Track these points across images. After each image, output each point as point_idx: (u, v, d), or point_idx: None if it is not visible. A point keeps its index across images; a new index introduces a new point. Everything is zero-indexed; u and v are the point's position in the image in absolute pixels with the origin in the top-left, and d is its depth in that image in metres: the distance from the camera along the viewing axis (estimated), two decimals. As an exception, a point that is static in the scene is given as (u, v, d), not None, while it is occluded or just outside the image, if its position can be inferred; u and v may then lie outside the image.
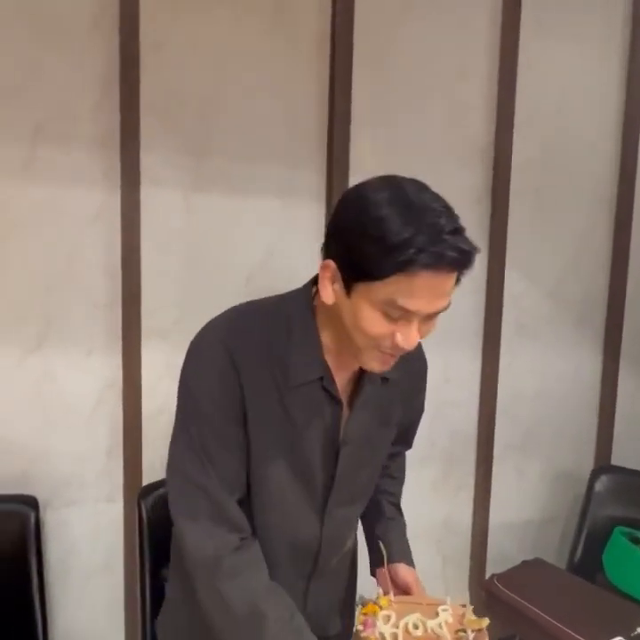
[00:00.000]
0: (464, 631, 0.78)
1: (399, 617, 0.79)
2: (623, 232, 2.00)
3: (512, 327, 1.91)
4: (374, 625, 0.77)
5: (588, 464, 2.05)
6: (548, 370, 1.99)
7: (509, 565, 1.66)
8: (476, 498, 1.92)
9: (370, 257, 0.71)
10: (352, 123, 1.61)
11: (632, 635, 1.05)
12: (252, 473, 0.85)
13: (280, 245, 1.46)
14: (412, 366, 0.95)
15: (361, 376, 0.89)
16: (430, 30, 1.70)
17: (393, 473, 1.11)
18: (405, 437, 1.09)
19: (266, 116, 1.54)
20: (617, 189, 1.99)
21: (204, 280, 1.53)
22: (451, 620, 0.81)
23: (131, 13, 1.39)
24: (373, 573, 1.04)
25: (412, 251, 0.69)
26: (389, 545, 1.00)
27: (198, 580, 0.82)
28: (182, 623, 0.96)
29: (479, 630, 0.79)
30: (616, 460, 2.05)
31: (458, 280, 0.76)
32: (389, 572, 0.94)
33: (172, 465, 0.85)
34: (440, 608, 0.82)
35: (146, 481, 1.51)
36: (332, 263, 0.77)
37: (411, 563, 1.02)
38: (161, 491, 1.35)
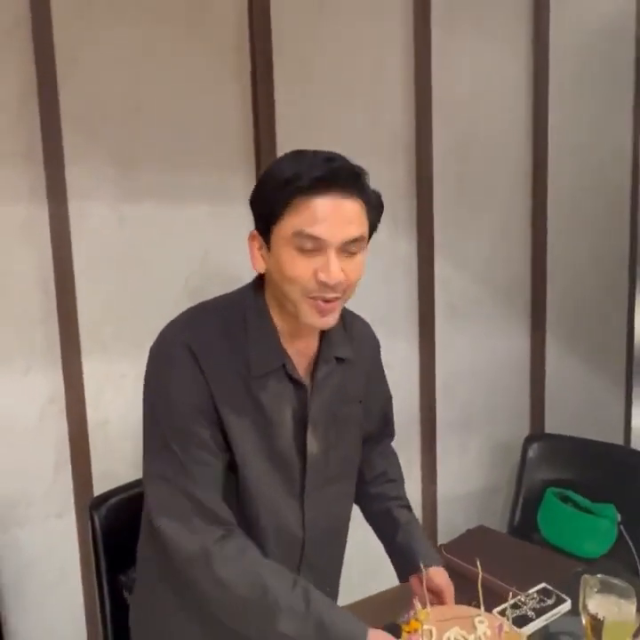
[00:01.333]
0: None
1: (440, 631, 0.82)
2: (540, 215, 2.15)
3: (444, 310, 2.02)
4: None
5: (525, 435, 2.20)
6: (481, 348, 2.11)
7: (458, 535, 1.77)
8: (424, 474, 2.03)
9: (270, 198, 0.82)
10: (277, 125, 1.65)
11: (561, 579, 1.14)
12: (235, 466, 0.89)
13: (214, 250, 1.49)
14: (365, 347, 1.03)
15: (317, 359, 0.94)
16: (345, 30, 1.75)
17: (391, 476, 1.14)
18: (384, 426, 1.14)
19: (190, 123, 1.55)
20: (531, 174, 2.13)
21: (141, 289, 1.54)
22: (489, 632, 0.83)
23: (43, 26, 1.37)
24: (402, 579, 1.10)
25: (299, 180, 0.79)
26: (416, 552, 1.03)
27: (195, 575, 0.83)
28: (157, 625, 0.99)
29: None
30: (549, 429, 2.21)
31: (373, 219, 0.86)
32: (425, 580, 0.95)
33: (147, 470, 0.88)
34: (476, 619, 0.84)
35: (96, 492, 1.51)
36: (254, 231, 0.87)
37: (439, 563, 1.05)
38: (112, 500, 1.36)
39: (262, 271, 0.88)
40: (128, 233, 1.53)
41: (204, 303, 0.93)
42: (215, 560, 0.81)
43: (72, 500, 1.52)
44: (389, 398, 1.16)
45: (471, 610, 0.86)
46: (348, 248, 0.83)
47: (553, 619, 1.00)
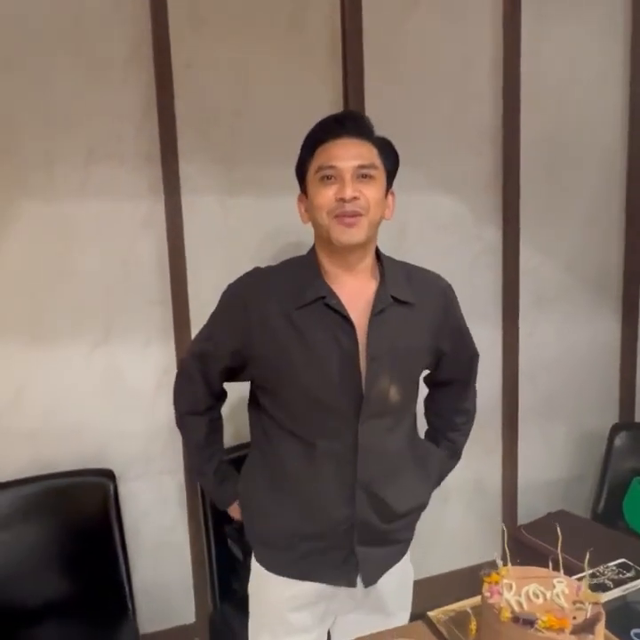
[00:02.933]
0: (582, 603, 0.83)
1: (519, 586, 0.86)
2: (635, 202, 2.08)
3: (531, 299, 2.02)
4: (499, 593, 0.85)
5: (612, 422, 2.15)
6: (568, 336, 2.09)
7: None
8: (505, 460, 2.06)
9: (300, 157, 1.06)
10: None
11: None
12: (278, 394, 1.06)
13: (307, 236, 1.64)
14: (429, 295, 1.10)
15: (374, 300, 1.04)
16: (435, 23, 1.81)
17: (459, 426, 1.23)
18: (459, 373, 1.21)
19: (287, 123, 1.69)
20: (626, 162, 2.06)
21: (243, 271, 1.70)
22: (567, 591, 0.86)
23: (163, 43, 1.56)
24: None
25: (315, 133, 1.04)
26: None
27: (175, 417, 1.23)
28: (258, 484, 1.14)
29: (596, 603, 0.83)
30: (639, 419, 2.15)
31: (388, 161, 1.04)
32: (505, 538, 1.04)
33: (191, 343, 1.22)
34: (555, 580, 0.88)
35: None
36: (300, 194, 1.08)
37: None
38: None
39: (306, 222, 1.07)
40: (232, 222, 1.70)
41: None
42: (183, 420, 1.21)
43: (182, 460, 1.73)
44: (464, 343, 1.20)
45: (550, 572, 0.92)
46: (362, 173, 1.00)
47: (631, 590, 1.03)
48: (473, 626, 0.90)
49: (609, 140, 2.05)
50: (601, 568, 1.07)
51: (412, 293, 1.07)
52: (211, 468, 1.19)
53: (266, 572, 1.11)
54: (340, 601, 1.12)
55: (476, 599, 0.98)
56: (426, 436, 1.26)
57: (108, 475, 1.56)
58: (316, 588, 1.09)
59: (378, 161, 1.02)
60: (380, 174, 1.03)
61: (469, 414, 1.26)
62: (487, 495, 2.07)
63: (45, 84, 1.51)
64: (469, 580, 2.10)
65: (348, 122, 1.03)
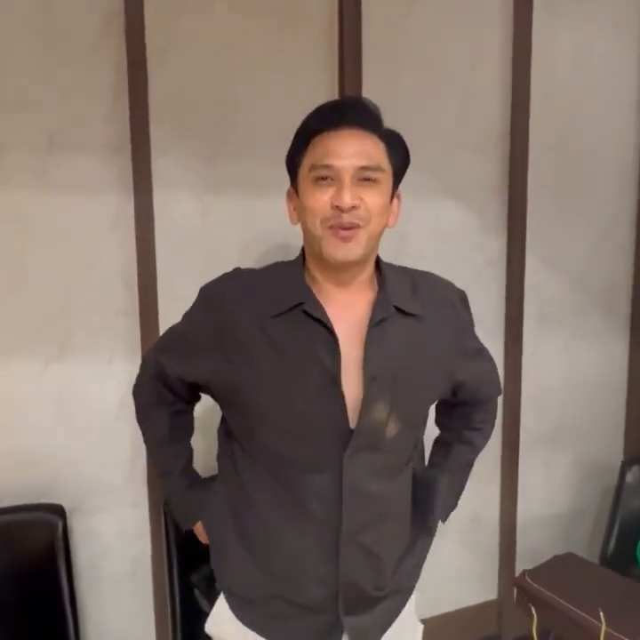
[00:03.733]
0: None
1: None
2: (647, 215, 1.95)
3: (535, 316, 1.87)
4: None
5: (618, 454, 2.01)
6: (574, 359, 1.95)
7: (540, 560, 1.63)
8: (503, 491, 1.90)
9: (292, 148, 0.89)
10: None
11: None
12: (247, 419, 0.91)
13: (296, 242, 1.45)
14: (437, 302, 0.94)
15: (373, 310, 0.88)
16: (440, 16, 1.66)
17: (475, 424, 1.07)
18: (484, 385, 1.04)
19: (276, 115, 1.52)
20: (638, 171, 1.93)
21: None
22: None
23: (136, 20, 1.38)
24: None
25: (311, 122, 0.87)
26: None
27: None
28: (226, 524, 0.98)
29: None
30: (647, 450, 2.00)
31: (395, 158, 0.87)
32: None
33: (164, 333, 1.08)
34: None
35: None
36: (289, 189, 0.92)
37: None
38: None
39: (295, 223, 0.91)
40: (210, 224, 1.51)
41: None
42: (140, 413, 1.09)
43: (146, 492, 1.53)
44: (483, 354, 1.04)
45: None
46: (364, 175, 0.83)
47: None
48: None
49: (622, 146, 1.92)
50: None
51: (419, 304, 0.91)
52: (177, 466, 1.06)
53: (232, 616, 0.95)
54: None
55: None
56: (434, 445, 1.09)
57: (57, 510, 1.35)
58: None
59: (385, 161, 0.86)
60: (386, 178, 0.86)
61: (489, 423, 1.11)
62: (483, 529, 1.90)
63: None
64: (464, 623, 1.95)
65: (349, 110, 0.86)
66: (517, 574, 1.62)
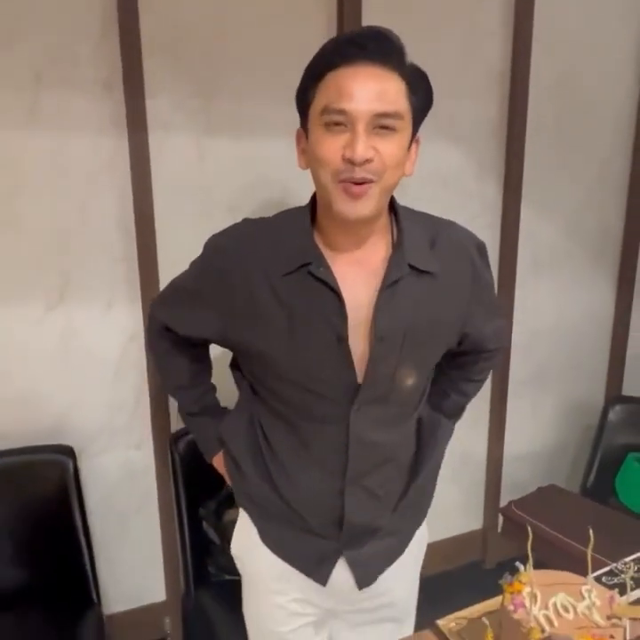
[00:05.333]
0: (619, 618, 0.74)
1: (544, 596, 0.76)
2: (641, 162, 1.95)
3: (527, 262, 1.90)
4: (523, 605, 0.75)
5: (600, 395, 2.10)
6: (563, 304, 2.00)
7: (524, 492, 1.74)
8: (491, 430, 1.99)
9: (304, 82, 0.81)
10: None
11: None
12: (260, 367, 0.91)
13: (294, 185, 1.43)
14: (455, 257, 0.89)
15: (387, 268, 0.84)
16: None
17: (473, 376, 1.05)
18: (491, 337, 1.00)
19: (275, 52, 1.46)
20: (636, 117, 1.92)
21: (220, 223, 1.51)
22: (599, 602, 0.76)
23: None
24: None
25: (326, 53, 0.78)
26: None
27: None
28: (242, 424, 1.00)
29: (634, 619, 0.74)
30: (627, 392, 2.10)
31: (418, 100, 0.79)
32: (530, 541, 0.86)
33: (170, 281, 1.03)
34: (583, 588, 0.78)
35: (174, 427, 1.55)
36: (299, 129, 0.85)
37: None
38: (190, 436, 1.40)
39: (304, 168, 0.84)
40: (208, 166, 1.48)
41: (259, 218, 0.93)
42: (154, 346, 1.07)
43: (150, 434, 1.57)
44: (494, 305, 1.01)
45: (575, 577, 0.83)
46: (381, 123, 0.75)
47: (653, 588, 0.96)
48: (490, 638, 0.80)
49: (619, 91, 1.90)
50: (619, 565, 0.99)
51: (436, 260, 0.86)
52: (200, 406, 1.07)
53: (251, 532, 0.99)
54: (336, 598, 0.99)
55: (491, 603, 0.88)
56: (432, 386, 1.05)
57: (68, 451, 1.39)
58: (302, 582, 0.97)
59: (405, 104, 0.77)
60: (405, 125, 0.78)
61: (485, 374, 1.08)
62: (471, 466, 2.00)
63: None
64: (451, 550, 2.08)
65: (366, 40, 0.75)
66: (503, 506, 1.73)
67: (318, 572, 0.96)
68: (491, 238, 1.84)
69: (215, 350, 1.04)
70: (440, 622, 0.87)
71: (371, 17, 1.52)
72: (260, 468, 0.96)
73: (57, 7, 1.29)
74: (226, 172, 1.50)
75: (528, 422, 2.04)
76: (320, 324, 0.84)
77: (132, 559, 1.64)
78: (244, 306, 0.86)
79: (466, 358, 1.02)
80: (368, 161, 0.75)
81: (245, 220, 0.92)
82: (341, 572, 0.96)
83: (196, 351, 1.05)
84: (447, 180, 1.73)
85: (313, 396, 0.87)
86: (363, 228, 0.84)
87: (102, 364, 1.50)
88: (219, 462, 1.07)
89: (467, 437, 1.95)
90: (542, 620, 0.73)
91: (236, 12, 1.42)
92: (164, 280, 1.46)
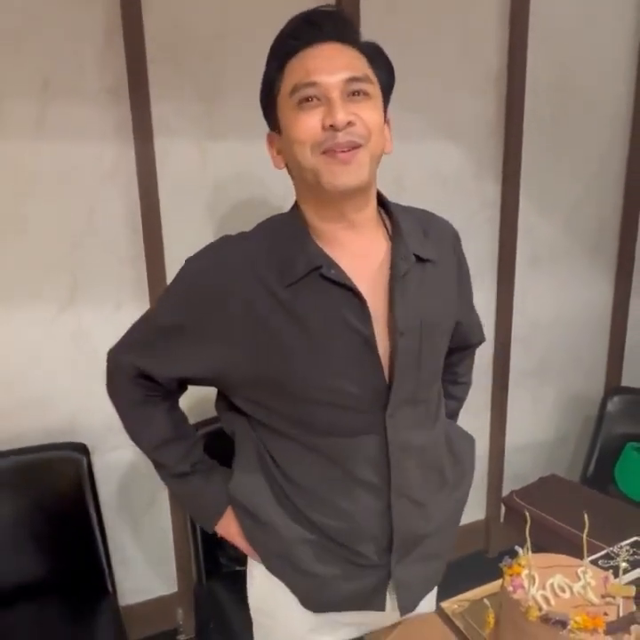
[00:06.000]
0: (612, 597, 0.77)
1: (542, 577, 0.79)
2: (638, 158, 1.98)
3: (526, 257, 1.94)
4: (522, 586, 0.77)
5: (599, 387, 2.14)
6: (562, 298, 2.03)
7: (525, 483, 1.78)
8: (493, 422, 2.03)
9: (266, 77, 0.80)
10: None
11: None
12: (273, 397, 0.81)
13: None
14: (448, 246, 0.89)
15: (392, 260, 0.81)
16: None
17: (459, 379, 1.05)
18: (476, 329, 1.02)
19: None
20: (633, 114, 1.95)
21: (226, 227, 1.54)
22: (594, 583, 0.79)
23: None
24: None
25: (282, 41, 0.77)
26: None
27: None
28: (252, 472, 0.89)
29: (627, 597, 0.77)
30: (626, 383, 2.13)
31: (380, 71, 0.78)
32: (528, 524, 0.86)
33: (136, 322, 0.93)
34: (579, 570, 0.81)
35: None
36: (269, 133, 0.83)
37: None
38: (200, 431, 1.44)
39: (281, 167, 0.83)
40: (212, 170, 1.51)
41: (242, 232, 0.85)
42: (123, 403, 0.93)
43: (161, 430, 1.61)
44: (471, 293, 1.01)
45: (572, 560, 0.86)
46: (353, 88, 0.74)
47: (648, 571, 1.00)
48: (491, 618, 0.84)
49: (616, 88, 1.93)
50: (615, 548, 1.03)
51: (432, 248, 0.84)
52: (191, 463, 0.91)
53: (282, 587, 0.88)
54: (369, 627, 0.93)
55: (492, 587, 0.92)
56: None
57: (81, 449, 1.43)
58: (342, 616, 0.90)
59: (371, 73, 0.76)
60: (376, 91, 0.77)
61: (469, 375, 1.10)
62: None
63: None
64: (455, 540, 2.12)
65: (324, 22, 0.75)
66: (505, 495, 1.77)
67: (374, 600, 0.88)
68: (490, 233, 1.88)
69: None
70: (444, 605, 0.91)
71: (369, 18, 1.55)
72: (289, 510, 0.85)
73: (62, 17, 1.33)
74: (229, 173, 1.53)
75: (529, 414, 2.08)
76: (341, 330, 0.77)
77: (144, 552, 1.68)
78: (245, 329, 0.78)
79: (454, 356, 1.01)
80: (350, 124, 0.72)
81: (224, 238, 0.84)
82: (387, 598, 0.89)
83: (174, 398, 0.93)
84: (446, 177, 1.77)
85: (341, 410, 0.80)
86: (357, 209, 0.79)
87: (113, 363, 1.54)
88: (225, 527, 0.91)
89: (469, 429, 1.98)
90: (540, 600, 0.77)
91: (238, 19, 1.45)
92: (171, 278, 1.51)
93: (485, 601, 0.86)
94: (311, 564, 0.86)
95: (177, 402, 0.95)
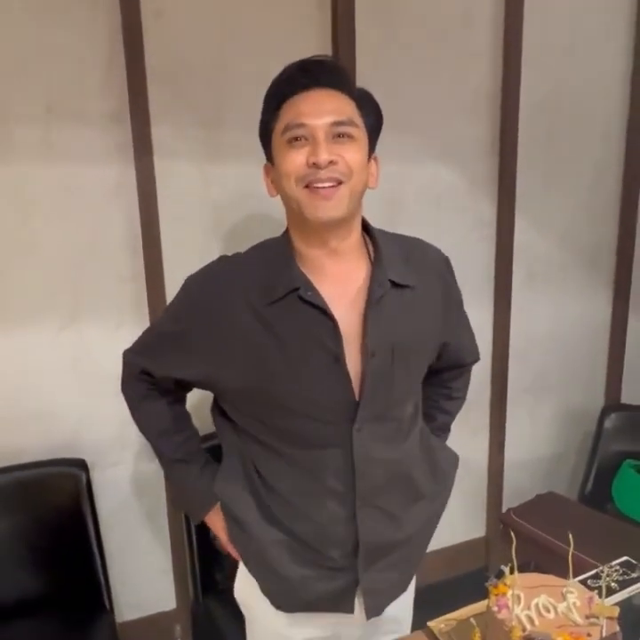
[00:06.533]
0: (596, 617, 0.78)
1: (528, 597, 0.80)
2: (633, 174, 2.00)
3: (523, 274, 1.95)
4: (507, 606, 0.78)
5: (598, 403, 2.14)
6: (560, 314, 2.04)
7: (524, 499, 1.78)
8: (492, 439, 2.03)
9: (263, 118, 0.89)
10: (357, 76, 1.60)
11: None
12: (253, 405, 0.90)
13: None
14: (432, 274, 0.95)
15: (370, 286, 0.88)
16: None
17: (453, 393, 1.10)
18: (468, 349, 1.08)
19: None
20: (627, 131, 1.97)
21: (225, 249, 1.58)
22: (579, 602, 0.80)
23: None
24: None
25: (278, 87, 0.87)
26: None
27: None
28: (235, 476, 0.99)
29: (610, 618, 0.78)
30: (625, 400, 2.13)
31: (368, 117, 0.87)
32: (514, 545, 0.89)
33: (146, 328, 1.08)
34: (565, 589, 0.82)
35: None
36: (266, 164, 0.92)
37: None
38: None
39: (274, 195, 0.91)
40: (212, 193, 1.55)
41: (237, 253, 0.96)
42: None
43: (159, 446, 1.63)
44: (464, 317, 1.07)
45: (558, 579, 0.87)
46: (338, 131, 0.83)
47: (637, 591, 1.00)
48: (477, 638, 0.85)
49: (609, 106, 1.95)
50: (605, 569, 1.03)
51: (412, 274, 0.91)
52: (186, 453, 1.01)
53: (256, 585, 0.97)
54: (345, 628, 1.00)
55: (479, 606, 0.93)
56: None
57: (80, 464, 1.46)
58: (316, 617, 0.97)
59: (357, 117, 0.85)
60: (361, 134, 0.85)
61: (464, 391, 1.14)
62: (472, 474, 2.04)
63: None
64: (453, 559, 2.11)
65: (317, 70, 0.84)
66: (502, 513, 1.77)
67: (343, 603, 0.95)
68: (486, 251, 1.90)
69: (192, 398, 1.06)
70: (431, 624, 0.92)
71: (364, 44, 1.60)
72: (266, 514, 0.93)
73: (66, 44, 1.37)
74: (228, 195, 1.57)
75: (527, 431, 2.08)
76: (314, 347, 0.85)
77: (142, 568, 1.69)
78: (231, 340, 0.87)
79: (448, 374, 1.08)
80: (332, 163, 0.81)
81: (221, 258, 0.94)
82: (356, 602, 0.96)
83: (175, 396, 1.03)
84: (441, 196, 1.79)
85: (312, 421, 0.88)
86: (338, 239, 0.87)
87: (113, 380, 1.56)
88: (213, 521, 1.01)
89: (467, 446, 1.99)
90: (524, 620, 0.78)
91: (236, 44, 1.50)
92: (171, 298, 1.54)
93: (472, 620, 0.86)
94: (284, 565, 0.93)
95: (180, 400, 1.06)
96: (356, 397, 0.88)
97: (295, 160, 0.82)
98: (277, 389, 0.87)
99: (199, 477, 1.01)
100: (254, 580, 0.98)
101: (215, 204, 1.56)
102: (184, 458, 1.02)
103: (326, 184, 0.81)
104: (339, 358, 0.86)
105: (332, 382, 0.87)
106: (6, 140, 1.37)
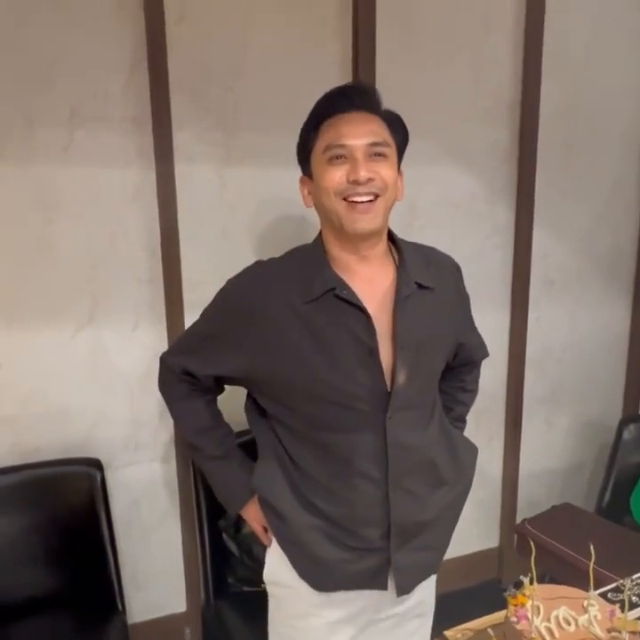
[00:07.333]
0: (618, 632, 0.78)
1: (547, 609, 0.80)
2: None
3: (540, 282, 1.94)
4: (526, 617, 0.78)
5: (616, 414, 2.11)
6: (577, 323, 2.02)
7: (540, 510, 1.75)
8: (506, 448, 2.00)
9: (303, 136, 0.98)
10: (377, 82, 1.61)
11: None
12: (292, 397, 0.97)
13: (313, 214, 1.50)
14: (446, 275, 1.05)
15: (397, 286, 0.96)
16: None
17: (467, 386, 1.20)
18: (477, 347, 1.18)
19: (292, 85, 1.54)
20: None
21: (242, 251, 1.59)
22: (600, 616, 0.81)
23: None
24: None
25: (320, 109, 0.96)
26: None
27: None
28: (272, 466, 1.05)
29: (633, 633, 0.78)
30: (644, 409, 2.10)
31: (397, 136, 0.96)
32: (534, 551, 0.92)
33: (184, 332, 1.16)
34: (586, 602, 0.82)
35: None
36: (302, 177, 1.00)
37: None
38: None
39: (310, 206, 0.99)
40: (229, 195, 1.56)
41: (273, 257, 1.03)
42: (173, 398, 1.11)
43: (173, 448, 1.64)
44: (471, 319, 1.17)
45: (578, 591, 0.86)
46: (375, 151, 0.91)
47: (658, 606, 0.98)
48: (494, 648, 0.83)
49: (628, 115, 1.94)
50: (626, 582, 1.01)
51: (432, 278, 1.01)
52: (225, 449, 1.09)
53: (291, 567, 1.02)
54: (373, 608, 1.05)
55: (496, 617, 0.92)
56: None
57: (95, 464, 1.47)
58: (348, 597, 1.02)
59: (389, 137, 0.95)
60: (393, 152, 0.95)
61: (476, 384, 1.24)
62: (487, 484, 2.02)
63: (22, 37, 1.34)
64: (467, 568, 2.09)
65: (356, 95, 0.95)
66: (517, 523, 1.74)
67: (377, 580, 1.01)
68: (503, 258, 1.88)
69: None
70: (447, 633, 0.90)
71: (385, 53, 1.60)
72: (302, 501, 1.00)
73: (91, 50, 1.40)
74: (245, 198, 1.58)
75: (543, 441, 2.05)
76: (350, 341, 0.93)
77: (154, 570, 1.70)
78: (271, 337, 0.95)
79: (462, 369, 1.18)
80: (370, 180, 0.90)
81: (258, 262, 1.03)
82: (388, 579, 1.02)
83: (212, 395, 1.11)
84: (459, 203, 1.79)
85: (346, 410, 0.95)
86: (370, 247, 0.96)
87: (128, 380, 1.58)
88: (249, 512, 1.08)
89: (482, 456, 1.94)
90: (544, 632, 0.77)
91: (255, 50, 1.52)
92: (188, 300, 1.56)
93: (489, 631, 0.85)
94: (319, 548, 0.99)
95: (215, 399, 1.13)
96: (388, 388, 0.95)
97: (335, 176, 0.91)
98: (314, 380, 0.94)
99: (237, 473, 1.09)
100: (289, 564, 1.03)
101: (232, 206, 1.57)
102: (223, 454, 1.09)
103: (365, 198, 0.90)
104: (373, 351, 0.93)
105: (367, 374, 0.94)
106: (30, 142, 1.40)
